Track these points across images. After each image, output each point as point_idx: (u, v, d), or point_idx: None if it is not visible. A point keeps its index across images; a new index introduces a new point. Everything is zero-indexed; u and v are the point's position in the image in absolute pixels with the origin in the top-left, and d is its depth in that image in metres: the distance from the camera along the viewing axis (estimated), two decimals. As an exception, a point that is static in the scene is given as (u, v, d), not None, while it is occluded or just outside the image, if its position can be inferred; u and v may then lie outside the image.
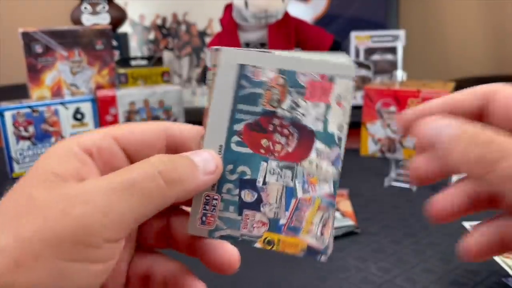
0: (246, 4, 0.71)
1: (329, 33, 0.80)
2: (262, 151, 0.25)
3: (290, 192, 0.26)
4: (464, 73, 1.22)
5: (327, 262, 0.52)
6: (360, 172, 0.77)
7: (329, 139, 0.26)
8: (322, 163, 0.26)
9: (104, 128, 0.25)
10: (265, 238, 0.25)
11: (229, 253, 0.26)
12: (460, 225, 0.55)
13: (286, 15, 0.75)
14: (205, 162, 0.24)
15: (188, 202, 0.26)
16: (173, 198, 0.23)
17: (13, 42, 0.90)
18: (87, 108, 0.83)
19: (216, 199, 0.25)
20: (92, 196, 0.20)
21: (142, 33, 1.20)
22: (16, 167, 0.79)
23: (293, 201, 0.26)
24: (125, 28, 1.14)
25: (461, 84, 0.89)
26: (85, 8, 1.04)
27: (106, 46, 0.88)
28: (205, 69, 0.85)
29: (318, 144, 0.26)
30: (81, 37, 0.86)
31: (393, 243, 0.53)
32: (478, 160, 0.22)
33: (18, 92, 0.91)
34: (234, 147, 0.25)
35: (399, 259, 0.50)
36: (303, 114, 0.25)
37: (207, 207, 0.25)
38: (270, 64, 0.25)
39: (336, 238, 0.57)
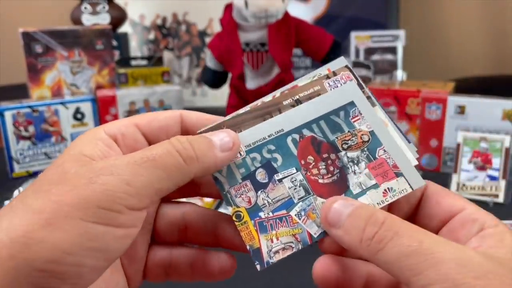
0: (246, 4, 0.71)
1: (329, 33, 0.80)
2: (303, 162, 0.27)
3: (288, 204, 0.27)
4: (464, 73, 1.22)
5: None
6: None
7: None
8: None
9: (128, 117, 0.27)
10: (239, 211, 0.27)
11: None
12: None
13: (286, 15, 0.75)
14: (222, 140, 0.26)
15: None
16: (191, 174, 0.24)
17: (13, 42, 0.90)
18: (87, 108, 0.83)
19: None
20: (116, 168, 0.23)
21: (142, 33, 1.20)
22: (16, 167, 0.79)
23: (283, 211, 0.27)
24: (125, 28, 1.14)
25: (461, 84, 0.89)
26: (85, 8, 1.04)
27: (106, 46, 0.88)
28: (205, 69, 0.85)
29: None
30: (81, 37, 0.86)
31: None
32: (370, 239, 0.23)
33: (18, 92, 0.91)
34: (289, 140, 0.27)
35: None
36: (354, 172, 0.27)
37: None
38: (370, 120, 0.28)
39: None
